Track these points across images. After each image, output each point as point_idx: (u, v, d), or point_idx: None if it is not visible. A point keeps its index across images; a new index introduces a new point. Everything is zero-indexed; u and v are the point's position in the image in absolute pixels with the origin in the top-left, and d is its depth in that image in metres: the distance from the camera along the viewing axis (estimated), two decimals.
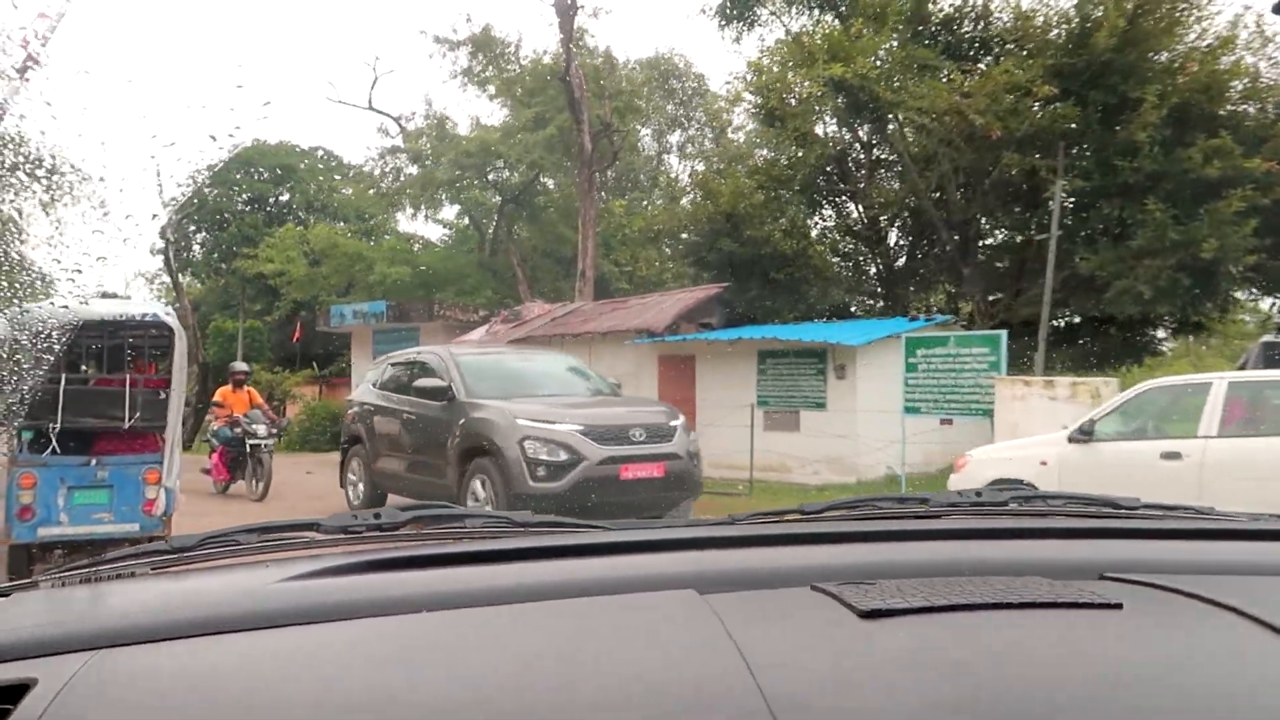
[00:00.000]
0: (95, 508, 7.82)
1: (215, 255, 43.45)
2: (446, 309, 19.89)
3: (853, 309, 24.91)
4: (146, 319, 8.48)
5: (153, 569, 1.21)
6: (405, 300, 21.17)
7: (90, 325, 8.35)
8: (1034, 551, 1.16)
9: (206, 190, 43.72)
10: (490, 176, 25.61)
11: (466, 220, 30.49)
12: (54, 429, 7.79)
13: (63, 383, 7.90)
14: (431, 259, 26.10)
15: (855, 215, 24.97)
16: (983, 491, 1.58)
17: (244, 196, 44.38)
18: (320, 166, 44.00)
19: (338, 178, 40.08)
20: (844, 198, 25.06)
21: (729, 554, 1.15)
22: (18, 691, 0.78)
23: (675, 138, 41.30)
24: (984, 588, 0.95)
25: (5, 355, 7.48)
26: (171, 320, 8.32)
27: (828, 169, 24.02)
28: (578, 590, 0.99)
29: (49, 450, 7.79)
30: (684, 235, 26.63)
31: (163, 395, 8.07)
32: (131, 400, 8.00)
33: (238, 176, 43.98)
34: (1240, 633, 0.87)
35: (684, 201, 32.13)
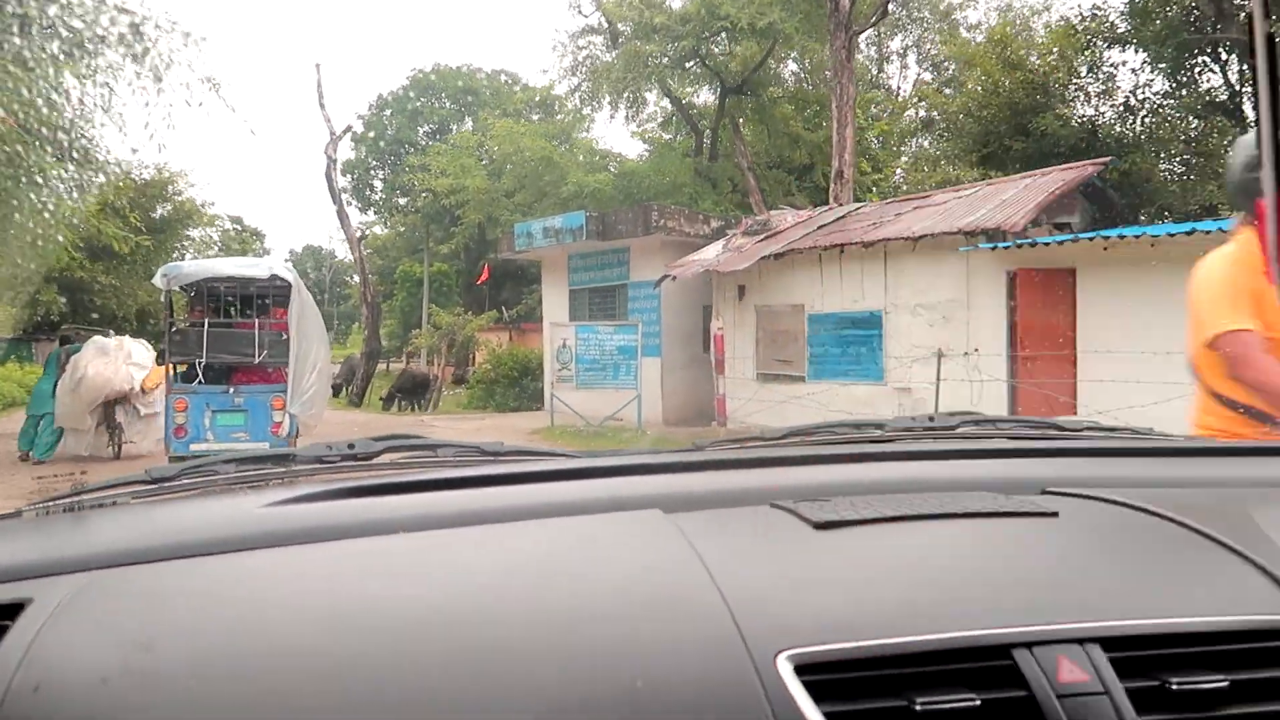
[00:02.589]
0: (234, 428, 9.43)
1: (396, 191, 40.30)
2: (669, 217, 14.52)
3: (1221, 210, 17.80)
4: (271, 273, 9.96)
5: (134, 498, 1.21)
6: (610, 210, 15.95)
7: (226, 278, 10.17)
8: (980, 470, 1.21)
9: (385, 119, 40.60)
10: (708, 61, 20.00)
11: (671, 134, 25.03)
12: (200, 363, 9.66)
13: (206, 325, 9.91)
14: (638, 167, 20.81)
15: (1222, 82, 17.76)
16: (935, 416, 1.62)
17: (425, 127, 40.95)
18: (504, 90, 39.80)
19: (523, 99, 35.44)
20: (1207, 56, 17.79)
21: (693, 477, 1.20)
22: (12, 610, 0.80)
23: (896, 43, 34.26)
24: (931, 500, 0.99)
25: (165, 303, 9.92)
26: (290, 275, 9.99)
27: (1192, 13, 16.94)
28: (548, 512, 1.01)
29: (196, 381, 9.68)
30: (961, 123, 20.19)
31: (284, 337, 9.78)
32: (260, 340, 9.80)
33: (418, 104, 40.53)
34: (1168, 535, 0.93)
35: (931, 99, 25.43)
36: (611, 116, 21.64)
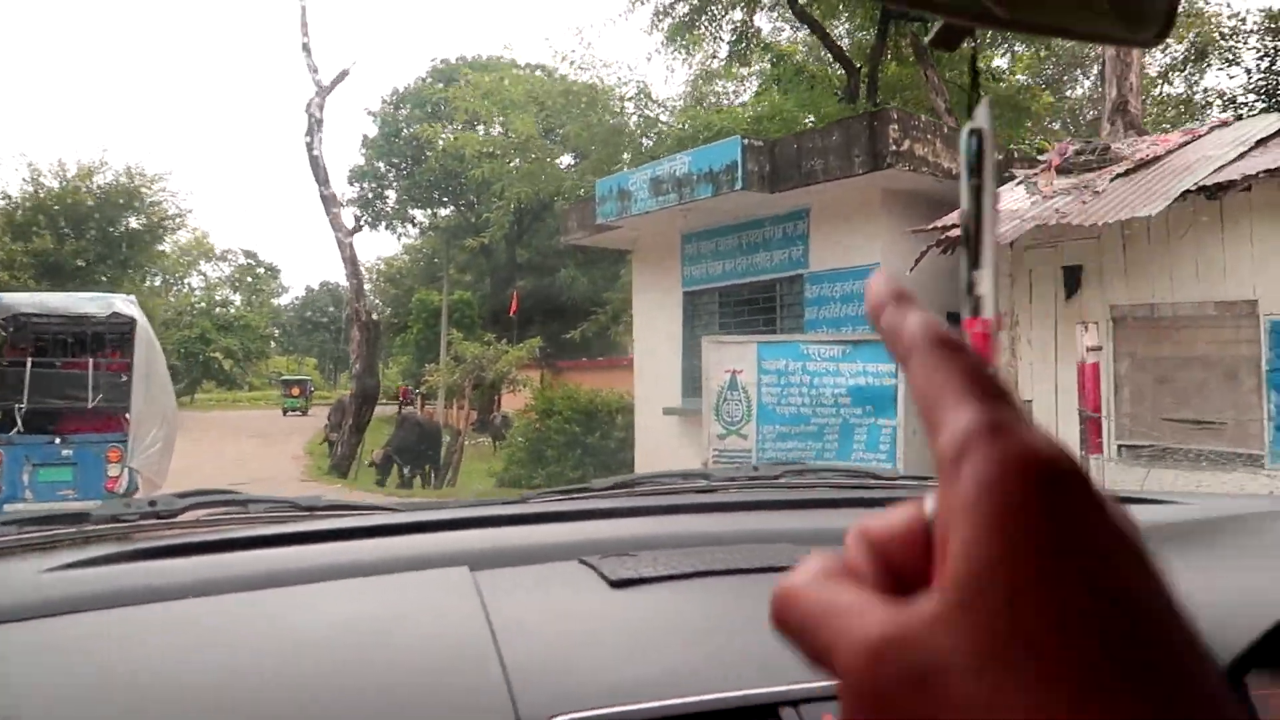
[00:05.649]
0: (59, 484, 8.13)
1: (412, 201, 33.90)
2: (916, 137, 7.64)
3: None
4: (111, 310, 8.85)
5: None
6: (791, 136, 8.97)
7: (53, 314, 9.03)
8: (791, 521, 1.25)
9: (400, 119, 34.36)
10: None
11: (783, 93, 18.30)
12: (20, 409, 8.28)
13: (29, 366, 8.54)
14: (777, 105, 13.94)
15: None
16: (759, 466, 1.71)
17: (451, 128, 34.65)
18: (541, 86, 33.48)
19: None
20: None
21: (509, 531, 1.19)
22: None
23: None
24: (733, 555, 0.99)
25: None
26: (133, 311, 8.84)
27: None
28: (354, 571, 0.96)
29: (14, 430, 8.24)
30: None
31: (125, 378, 8.72)
32: (95, 382, 8.66)
33: (439, 101, 34.20)
34: None
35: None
36: (714, 55, 14.73)
